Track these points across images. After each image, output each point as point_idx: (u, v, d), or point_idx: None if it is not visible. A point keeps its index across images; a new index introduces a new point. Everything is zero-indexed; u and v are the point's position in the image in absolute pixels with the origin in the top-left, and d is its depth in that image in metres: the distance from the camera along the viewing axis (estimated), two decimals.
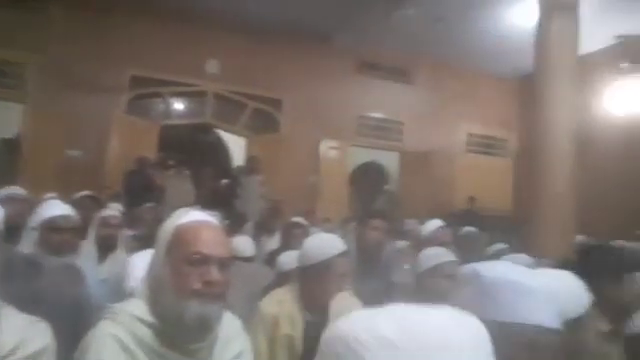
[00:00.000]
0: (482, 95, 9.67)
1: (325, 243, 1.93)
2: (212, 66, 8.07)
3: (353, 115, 8.92)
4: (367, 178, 10.16)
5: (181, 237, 1.06)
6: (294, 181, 7.96)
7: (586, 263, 1.75)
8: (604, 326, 1.56)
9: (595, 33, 6.78)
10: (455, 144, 9.59)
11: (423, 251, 2.33)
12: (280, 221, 4.73)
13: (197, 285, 1.01)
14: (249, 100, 8.35)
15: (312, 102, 8.43)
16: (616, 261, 1.77)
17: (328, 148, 8.62)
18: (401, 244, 3.75)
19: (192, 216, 1.12)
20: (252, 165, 7.31)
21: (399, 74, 9.37)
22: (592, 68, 7.08)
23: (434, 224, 3.21)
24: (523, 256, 2.61)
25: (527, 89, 6.90)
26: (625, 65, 6.69)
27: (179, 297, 1.01)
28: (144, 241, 2.48)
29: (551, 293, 0.75)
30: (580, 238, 4.18)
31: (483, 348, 0.50)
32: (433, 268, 2.14)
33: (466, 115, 9.57)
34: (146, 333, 1.02)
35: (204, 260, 1.03)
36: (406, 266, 2.76)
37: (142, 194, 5.38)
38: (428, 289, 2.11)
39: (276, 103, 8.52)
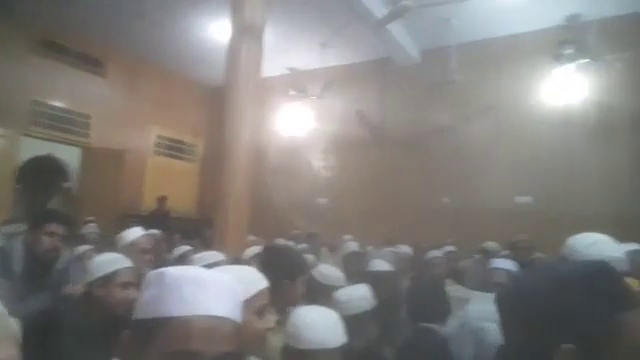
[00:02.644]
0: (175, 99, 9.84)
1: None
2: None
3: (26, 100, 7.63)
4: (41, 174, 8.83)
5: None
6: None
7: (266, 262, 1.93)
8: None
9: (273, 61, 7.88)
10: (145, 145, 9.40)
11: (95, 258, 2.11)
12: None
13: None
14: None
15: None
16: (293, 263, 1.98)
17: None
18: (82, 249, 3.45)
19: None
20: None
21: (91, 64, 8.57)
22: (269, 91, 8.19)
23: (135, 232, 3.04)
24: (215, 253, 2.74)
25: (217, 99, 7.42)
26: (293, 93, 8.00)
27: None
28: None
29: (231, 286, 0.81)
30: (252, 238, 4.72)
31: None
32: (106, 277, 1.98)
33: (158, 117, 9.53)
34: None
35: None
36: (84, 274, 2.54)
37: None
38: (100, 299, 1.97)
39: None
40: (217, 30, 7.47)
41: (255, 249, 3.04)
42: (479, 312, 2.48)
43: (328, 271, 2.51)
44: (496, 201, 6.88)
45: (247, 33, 4.40)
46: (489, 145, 7.22)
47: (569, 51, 5.82)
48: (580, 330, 0.67)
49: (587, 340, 0.67)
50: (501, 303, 0.80)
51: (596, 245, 1.84)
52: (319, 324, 1.57)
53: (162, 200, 8.62)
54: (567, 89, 6.34)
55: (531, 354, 0.71)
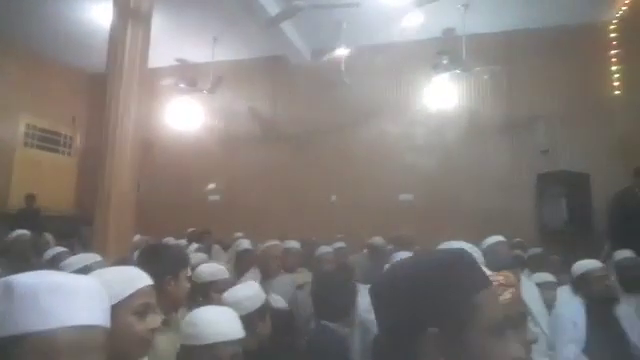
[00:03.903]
0: (49, 86, 8.93)
1: None
2: None
3: None
4: None
5: None
6: None
7: (145, 260, 1.88)
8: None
9: (161, 51, 7.54)
10: (12, 135, 8.41)
11: None
12: None
13: None
14: None
15: None
16: (173, 258, 1.93)
17: None
18: None
19: None
20: None
21: None
22: (158, 83, 7.81)
23: None
24: (90, 255, 2.53)
25: (98, 87, 6.89)
26: (183, 86, 7.71)
27: None
28: None
29: (97, 291, 0.76)
30: (138, 237, 4.49)
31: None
32: None
33: (27, 104, 8.57)
34: None
35: None
36: None
37: None
38: None
39: None
40: (98, 14, 6.92)
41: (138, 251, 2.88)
42: (367, 305, 2.62)
43: (202, 269, 2.51)
44: (381, 199, 7.30)
45: (132, 17, 4.14)
46: (375, 145, 7.64)
47: (444, 61, 6.37)
48: (441, 314, 0.73)
49: (448, 323, 0.73)
50: (374, 292, 0.84)
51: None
52: (219, 318, 1.60)
53: (30, 198, 7.78)
54: (442, 96, 6.97)
55: (401, 339, 0.76)
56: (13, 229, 4.05)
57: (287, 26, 6.92)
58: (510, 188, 6.85)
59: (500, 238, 2.95)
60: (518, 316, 1.12)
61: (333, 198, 7.78)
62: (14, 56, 8.33)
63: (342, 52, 6.93)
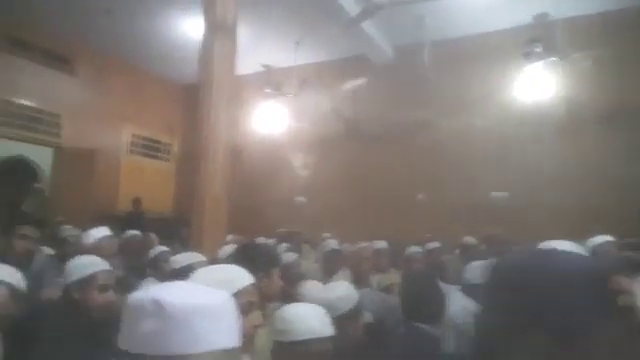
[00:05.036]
0: (148, 97, 9.69)
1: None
2: None
3: None
4: (12, 176, 8.58)
5: None
6: None
7: (239, 259, 1.90)
8: None
9: (247, 59, 7.85)
10: (119, 144, 9.24)
11: (72, 260, 2.08)
12: None
13: None
14: None
15: None
16: (265, 257, 2.00)
17: None
18: (55, 252, 3.39)
19: None
20: None
21: (59, 61, 8.34)
22: (245, 89, 8.15)
23: (100, 232, 2.98)
24: (194, 254, 2.70)
25: (191, 96, 7.35)
26: (268, 90, 7.99)
27: None
28: None
29: (234, 313, 0.77)
30: (231, 237, 4.70)
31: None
32: (83, 280, 1.96)
33: (131, 115, 9.37)
34: None
35: None
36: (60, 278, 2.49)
37: None
38: (79, 302, 1.95)
39: None
40: (189, 27, 7.38)
41: (229, 248, 3.02)
42: (459, 306, 2.52)
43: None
44: (471, 197, 7.01)
45: (220, 30, 4.37)
46: (463, 141, 7.35)
47: (538, 49, 5.95)
48: (565, 321, 0.67)
49: (567, 332, 0.67)
50: (498, 285, 0.78)
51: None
52: (309, 315, 1.61)
53: (137, 201, 8.50)
54: (536, 86, 6.51)
55: (507, 330, 0.71)
56: (122, 230, 4.43)
57: (367, 25, 6.89)
58: (620, 184, 6.20)
59: (608, 238, 2.70)
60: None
61: (419, 197, 7.60)
62: (117, 71, 9.13)
63: (425, 47, 6.76)
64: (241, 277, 1.32)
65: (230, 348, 0.71)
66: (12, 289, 1.62)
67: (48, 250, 3.42)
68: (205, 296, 0.75)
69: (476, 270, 2.72)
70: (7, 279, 1.66)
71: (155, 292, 0.71)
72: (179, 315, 0.68)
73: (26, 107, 7.83)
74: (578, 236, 2.43)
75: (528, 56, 6.09)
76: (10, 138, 7.79)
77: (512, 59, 6.66)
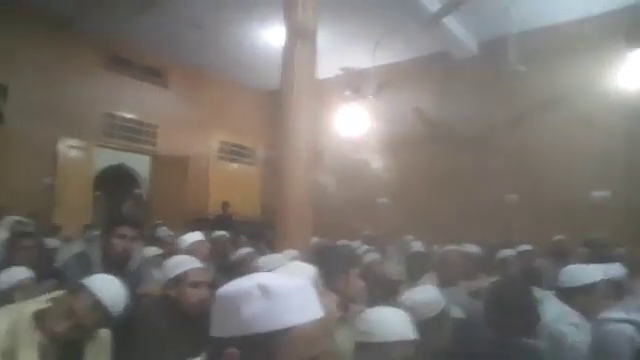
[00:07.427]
0: (234, 104, 10.13)
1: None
2: None
3: (99, 113, 8.15)
4: (115, 182, 9.40)
5: None
6: (25, 183, 6.81)
7: (316, 260, 1.91)
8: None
9: (327, 62, 7.92)
10: (208, 151, 9.75)
11: (168, 259, 2.21)
12: None
13: None
14: None
15: (47, 93, 7.36)
16: (342, 257, 2.01)
17: (68, 147, 7.65)
18: (152, 251, 3.62)
19: None
20: None
21: (153, 75, 9.03)
22: (325, 93, 8.22)
23: (193, 237, 3.15)
24: (280, 256, 2.72)
25: (274, 103, 7.58)
26: (349, 93, 8.00)
27: None
28: None
29: (312, 287, 0.85)
30: (315, 240, 4.74)
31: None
32: (176, 277, 2.07)
33: (219, 123, 9.85)
34: None
35: None
36: (157, 275, 2.66)
37: None
38: (174, 299, 2.05)
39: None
40: (271, 35, 7.61)
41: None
42: (555, 313, 2.33)
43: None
44: (569, 197, 6.49)
45: (300, 36, 4.43)
46: (558, 137, 6.84)
47: None
48: None
49: None
50: None
51: None
52: (394, 318, 1.61)
53: (226, 205, 8.92)
54: None
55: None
56: (213, 232, 4.66)
57: (449, 20, 6.66)
58: None
59: None
60: None
61: (509, 198, 7.18)
62: (205, 82, 9.66)
63: (511, 40, 6.38)
64: (301, 272, 1.34)
65: (319, 318, 0.80)
66: (96, 301, 1.65)
67: (155, 250, 3.67)
68: (296, 278, 0.87)
69: (575, 273, 2.48)
70: (97, 292, 1.68)
71: (257, 278, 0.80)
72: (283, 294, 0.78)
73: (128, 119, 8.56)
74: None
75: (630, 41, 5.54)
76: (113, 148, 8.56)
77: (612, 45, 6.10)
